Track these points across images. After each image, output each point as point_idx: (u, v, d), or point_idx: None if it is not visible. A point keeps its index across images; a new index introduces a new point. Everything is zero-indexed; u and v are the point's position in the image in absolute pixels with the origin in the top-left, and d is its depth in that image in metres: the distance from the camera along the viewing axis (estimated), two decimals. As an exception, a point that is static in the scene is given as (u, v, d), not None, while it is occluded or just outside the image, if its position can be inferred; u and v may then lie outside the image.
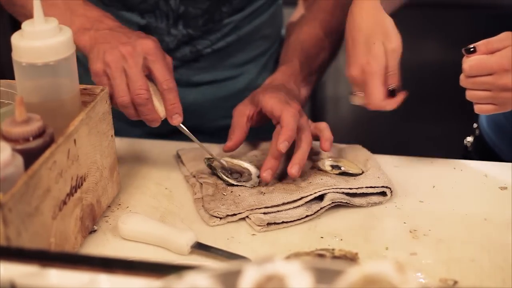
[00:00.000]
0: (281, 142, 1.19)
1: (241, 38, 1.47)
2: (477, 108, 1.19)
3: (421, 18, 2.24)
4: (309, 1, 1.51)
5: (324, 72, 1.49)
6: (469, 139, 1.39)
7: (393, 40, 1.20)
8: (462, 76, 1.17)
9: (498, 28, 1.44)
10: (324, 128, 1.28)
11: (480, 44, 1.15)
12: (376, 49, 1.19)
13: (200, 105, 1.49)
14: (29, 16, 1.09)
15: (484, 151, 1.44)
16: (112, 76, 1.16)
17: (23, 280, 0.81)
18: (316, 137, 1.28)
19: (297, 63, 1.39)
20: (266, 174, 1.21)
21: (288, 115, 1.21)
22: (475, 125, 1.49)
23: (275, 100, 1.24)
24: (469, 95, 1.18)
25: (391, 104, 1.21)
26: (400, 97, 1.22)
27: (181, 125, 1.21)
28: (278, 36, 1.56)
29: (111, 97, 1.18)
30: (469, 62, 1.16)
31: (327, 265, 0.73)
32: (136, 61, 1.16)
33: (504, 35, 1.15)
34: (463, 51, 1.16)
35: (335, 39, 1.47)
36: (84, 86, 1.15)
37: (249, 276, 0.71)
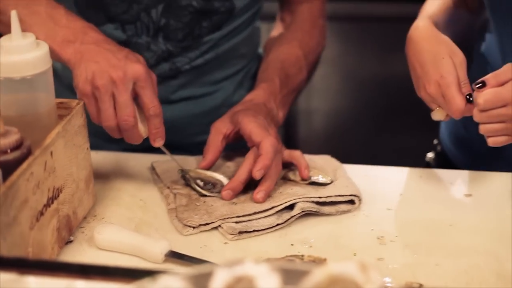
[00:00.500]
0: (257, 170, 1.23)
1: (219, 56, 1.50)
2: (491, 141, 1.21)
3: (390, 32, 2.29)
4: (287, 21, 1.55)
5: (300, 93, 1.52)
6: (430, 155, 1.43)
7: (458, 53, 1.24)
8: (476, 111, 1.19)
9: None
10: (299, 156, 1.31)
11: (489, 78, 1.18)
12: (446, 63, 1.22)
13: (177, 121, 1.51)
14: (8, 23, 1.11)
15: (446, 167, 1.48)
16: (101, 99, 1.18)
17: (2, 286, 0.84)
18: (289, 163, 1.31)
19: (277, 81, 1.41)
20: (226, 194, 1.25)
21: (267, 144, 1.24)
22: (435, 141, 1.53)
23: (255, 125, 1.27)
24: (484, 129, 1.20)
25: (472, 110, 1.21)
26: None
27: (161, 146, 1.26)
28: (254, 55, 1.60)
29: (96, 117, 1.20)
30: (483, 96, 1.17)
31: (294, 267, 0.77)
32: (126, 87, 1.18)
33: (507, 66, 1.19)
34: (473, 86, 1.19)
35: (312, 59, 1.51)
36: (60, 100, 1.18)
37: (220, 278, 0.74)
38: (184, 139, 1.40)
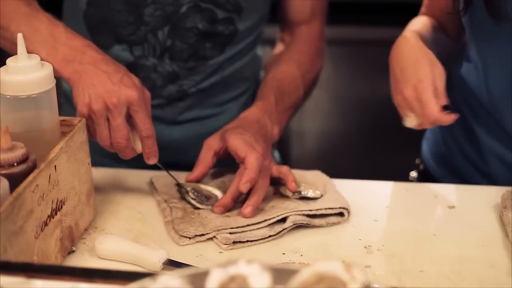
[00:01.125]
0: (243, 183, 1.28)
1: (224, 79, 1.56)
2: None
3: (380, 55, 2.34)
4: (287, 42, 1.60)
5: (297, 110, 1.55)
6: (414, 174, 1.48)
7: (438, 65, 1.28)
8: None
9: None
10: (286, 171, 1.35)
11: None
12: (425, 70, 1.26)
13: (182, 142, 1.58)
14: (10, 38, 1.17)
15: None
16: (97, 123, 1.25)
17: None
18: (277, 178, 1.36)
19: (273, 99, 1.46)
20: (217, 210, 1.30)
21: (252, 158, 1.29)
22: (417, 161, 1.59)
23: (240, 141, 1.32)
24: None
25: (447, 119, 1.25)
26: (454, 115, 1.26)
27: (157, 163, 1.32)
28: (257, 77, 1.65)
29: (94, 136, 1.28)
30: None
31: (283, 267, 0.83)
32: (119, 111, 1.25)
33: None
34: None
35: (309, 78, 1.56)
36: (63, 117, 1.24)
37: (215, 277, 0.80)
38: (189, 158, 1.45)
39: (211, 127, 1.55)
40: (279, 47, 1.62)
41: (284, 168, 1.36)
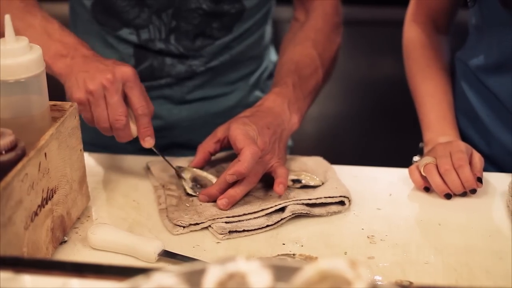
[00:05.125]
0: (229, 174, 1.23)
1: (233, 58, 1.53)
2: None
3: (379, 35, 2.29)
4: (301, 20, 1.53)
5: (318, 93, 1.48)
6: (416, 158, 1.45)
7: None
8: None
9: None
10: (282, 174, 1.27)
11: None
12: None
13: (192, 121, 1.55)
14: (3, 33, 1.13)
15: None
16: (95, 104, 1.22)
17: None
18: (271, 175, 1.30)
19: (291, 85, 1.39)
20: (201, 198, 1.26)
21: (247, 151, 1.22)
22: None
23: (240, 132, 1.25)
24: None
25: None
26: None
27: (152, 147, 1.28)
28: (264, 55, 1.61)
29: (91, 121, 1.25)
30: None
31: (285, 264, 0.79)
32: (116, 88, 1.22)
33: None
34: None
35: (328, 58, 1.48)
36: (53, 102, 1.19)
37: (213, 275, 0.75)
38: (198, 138, 1.41)
39: (220, 107, 1.55)
40: (293, 26, 1.55)
41: (281, 171, 1.28)
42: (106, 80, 1.21)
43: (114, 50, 1.50)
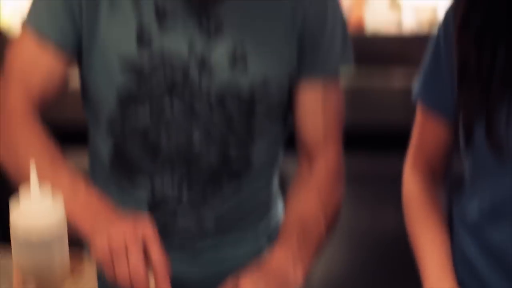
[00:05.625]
0: None
1: (240, 203, 1.57)
2: None
3: (382, 189, 2.32)
4: (304, 167, 1.58)
5: (322, 247, 1.51)
6: None
7: None
8: None
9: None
10: None
11: None
12: None
13: (203, 281, 1.57)
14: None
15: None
16: (117, 264, 1.24)
17: None
18: None
19: (295, 240, 1.43)
20: None
21: None
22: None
23: None
24: None
25: None
26: None
27: None
28: (272, 203, 1.66)
29: (113, 278, 1.25)
30: None
31: None
32: (138, 248, 1.24)
33: None
34: None
35: (330, 211, 1.54)
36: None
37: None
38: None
39: (231, 266, 1.53)
40: (298, 174, 1.60)
41: None
42: (129, 240, 1.24)
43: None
